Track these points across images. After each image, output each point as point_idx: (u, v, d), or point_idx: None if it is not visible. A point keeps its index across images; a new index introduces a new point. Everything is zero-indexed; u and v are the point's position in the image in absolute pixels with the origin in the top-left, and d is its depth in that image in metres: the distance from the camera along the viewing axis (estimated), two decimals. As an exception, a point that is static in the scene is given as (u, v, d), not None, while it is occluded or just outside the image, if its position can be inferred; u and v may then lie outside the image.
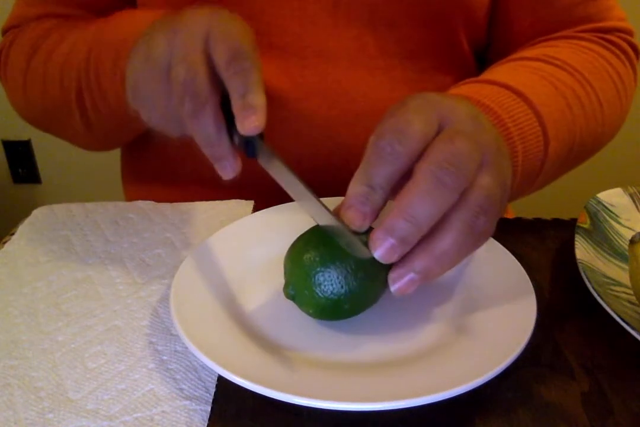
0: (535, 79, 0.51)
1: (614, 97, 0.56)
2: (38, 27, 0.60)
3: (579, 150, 0.53)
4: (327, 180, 0.54)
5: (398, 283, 0.36)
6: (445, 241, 0.35)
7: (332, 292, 0.38)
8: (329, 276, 0.37)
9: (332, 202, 0.39)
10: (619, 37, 0.61)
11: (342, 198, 0.38)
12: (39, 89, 0.58)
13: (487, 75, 0.52)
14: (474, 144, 0.36)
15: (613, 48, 0.59)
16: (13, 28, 0.63)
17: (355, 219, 0.36)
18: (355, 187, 0.36)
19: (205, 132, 0.40)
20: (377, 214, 0.36)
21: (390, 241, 0.34)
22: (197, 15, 0.42)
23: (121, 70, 0.49)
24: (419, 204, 0.34)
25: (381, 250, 0.35)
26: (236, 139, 0.41)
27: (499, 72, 0.53)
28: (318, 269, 0.37)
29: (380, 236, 0.35)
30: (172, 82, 0.40)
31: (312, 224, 0.46)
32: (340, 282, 0.37)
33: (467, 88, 0.49)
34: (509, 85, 0.48)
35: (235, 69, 0.39)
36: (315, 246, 0.39)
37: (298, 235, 0.41)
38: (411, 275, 0.36)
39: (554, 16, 0.61)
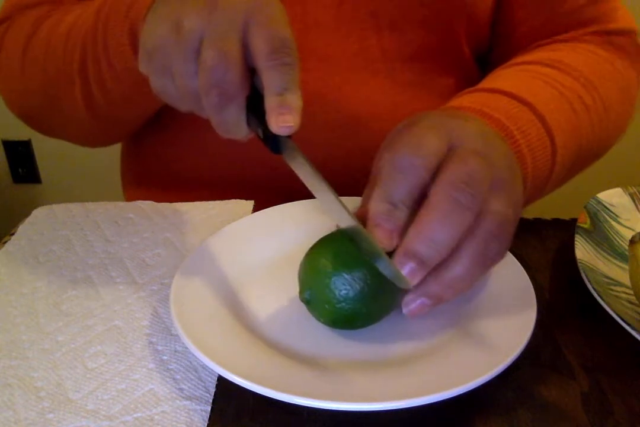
0: (539, 85, 0.50)
1: (619, 99, 0.56)
2: (36, 12, 0.58)
3: (586, 154, 0.53)
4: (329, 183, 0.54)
5: (410, 306, 0.37)
6: (457, 269, 0.36)
7: (353, 311, 0.38)
8: (354, 295, 0.37)
9: (353, 201, 0.39)
10: (622, 38, 0.60)
11: (360, 198, 0.39)
12: (39, 66, 0.55)
13: (491, 82, 0.51)
14: (485, 163, 0.36)
15: (616, 50, 0.59)
16: (6, 19, 0.60)
17: (383, 239, 0.35)
18: (377, 205, 0.36)
19: (225, 125, 0.39)
20: (403, 230, 0.36)
21: (411, 265, 0.35)
22: None
23: (132, 22, 0.45)
24: (437, 226, 0.34)
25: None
26: (259, 132, 0.39)
27: (503, 78, 0.53)
28: (345, 287, 0.37)
29: (400, 260, 0.35)
30: (200, 64, 0.37)
31: (313, 224, 0.45)
32: (364, 302, 0.37)
33: (472, 98, 0.48)
34: (514, 94, 0.47)
35: (276, 62, 0.36)
36: (343, 261, 0.38)
37: (298, 235, 0.41)
38: (423, 300, 0.37)
39: (559, 19, 0.60)
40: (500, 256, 0.37)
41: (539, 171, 0.45)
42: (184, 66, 0.38)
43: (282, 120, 0.36)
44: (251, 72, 0.38)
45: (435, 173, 0.36)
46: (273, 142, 0.38)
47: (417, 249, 0.35)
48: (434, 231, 0.34)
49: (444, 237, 0.34)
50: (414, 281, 0.35)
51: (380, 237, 0.35)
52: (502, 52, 0.64)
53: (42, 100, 0.58)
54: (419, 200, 0.36)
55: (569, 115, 0.49)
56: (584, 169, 0.56)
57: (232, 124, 0.38)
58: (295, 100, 0.36)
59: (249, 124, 0.39)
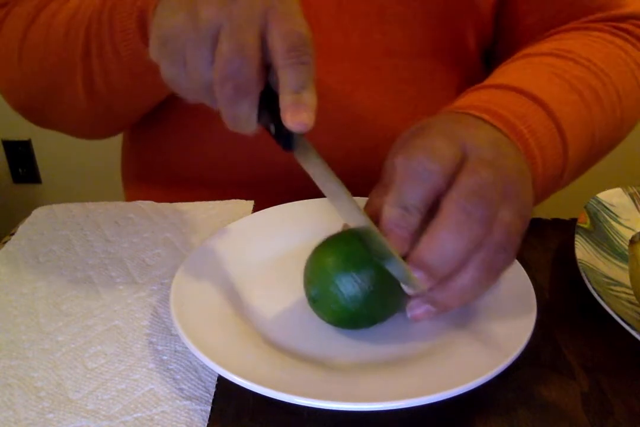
0: (548, 78, 0.49)
1: (633, 85, 0.54)
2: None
3: (600, 146, 0.52)
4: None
5: (415, 311, 0.37)
6: (465, 279, 0.36)
7: (359, 311, 0.38)
8: (362, 296, 0.37)
9: (360, 202, 0.38)
10: (632, 23, 0.58)
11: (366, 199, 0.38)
12: (38, 53, 0.54)
13: (498, 77, 0.50)
14: (497, 173, 0.36)
15: (627, 36, 0.57)
16: (4, 5, 0.58)
17: (395, 245, 0.35)
18: (390, 210, 0.36)
19: (236, 119, 0.38)
20: (415, 235, 0.36)
21: (419, 274, 0.35)
22: None
23: (141, 7, 0.45)
24: (448, 238, 0.34)
25: None
26: (272, 129, 0.38)
27: (510, 73, 0.52)
28: (354, 287, 0.37)
29: (410, 269, 0.35)
30: (217, 56, 0.36)
31: (313, 224, 0.45)
32: (370, 303, 0.37)
33: (479, 96, 0.47)
34: (522, 90, 0.46)
35: (294, 60, 0.36)
36: (353, 261, 0.37)
37: (298, 235, 0.41)
38: (428, 306, 0.37)
39: (564, 10, 0.59)
40: (507, 265, 0.37)
41: (549, 170, 0.45)
42: (198, 56, 0.37)
43: (298, 117, 0.36)
44: (266, 67, 0.38)
45: (449, 180, 0.36)
46: (286, 139, 0.38)
47: (427, 259, 0.35)
48: (445, 243, 0.34)
49: (455, 248, 0.35)
50: (425, 289, 0.35)
51: (393, 243, 0.35)
52: (506, 46, 0.63)
53: (40, 89, 0.57)
54: (433, 207, 0.36)
55: (580, 109, 0.48)
56: (598, 161, 0.55)
57: (243, 119, 0.38)
58: (310, 98, 0.36)
59: (259, 118, 0.38)
